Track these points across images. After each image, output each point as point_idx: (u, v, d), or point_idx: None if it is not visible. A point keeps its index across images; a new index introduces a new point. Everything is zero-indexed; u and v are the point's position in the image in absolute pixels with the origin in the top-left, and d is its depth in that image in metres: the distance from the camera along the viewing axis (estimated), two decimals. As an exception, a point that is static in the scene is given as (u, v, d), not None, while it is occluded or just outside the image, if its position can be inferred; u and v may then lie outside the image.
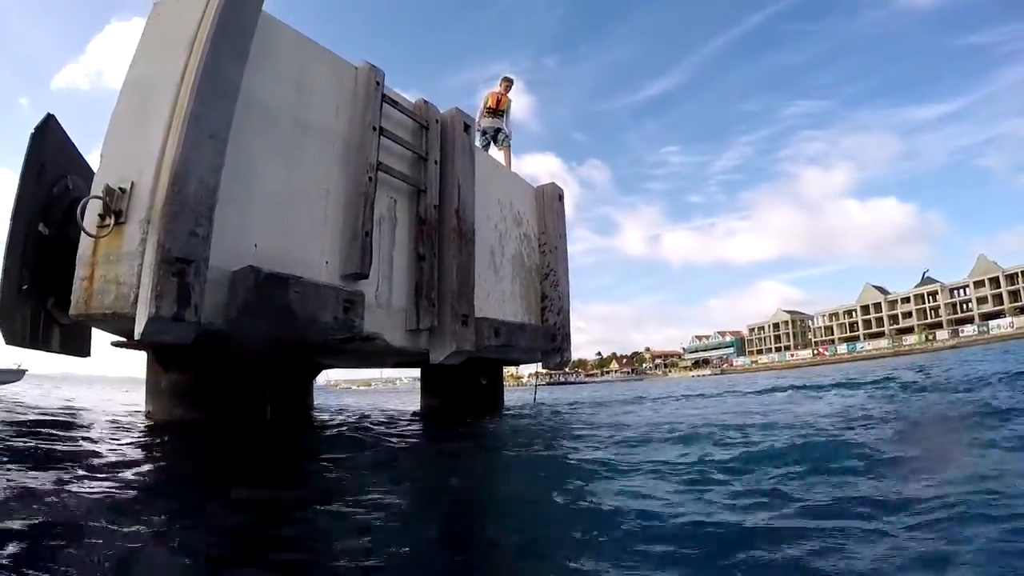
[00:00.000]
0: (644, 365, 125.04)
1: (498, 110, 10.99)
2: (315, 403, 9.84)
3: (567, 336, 11.35)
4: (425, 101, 8.29)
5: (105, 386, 30.43)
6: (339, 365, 8.26)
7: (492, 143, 10.96)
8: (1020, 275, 75.44)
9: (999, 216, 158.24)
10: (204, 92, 4.76)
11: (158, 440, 5.89)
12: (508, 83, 11.54)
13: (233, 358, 5.86)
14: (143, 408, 7.03)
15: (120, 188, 4.71)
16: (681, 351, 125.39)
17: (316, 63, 6.74)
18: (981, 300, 78.82)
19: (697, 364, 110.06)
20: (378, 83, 7.26)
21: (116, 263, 4.62)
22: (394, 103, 7.63)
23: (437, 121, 8.39)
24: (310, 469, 5.09)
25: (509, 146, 11.36)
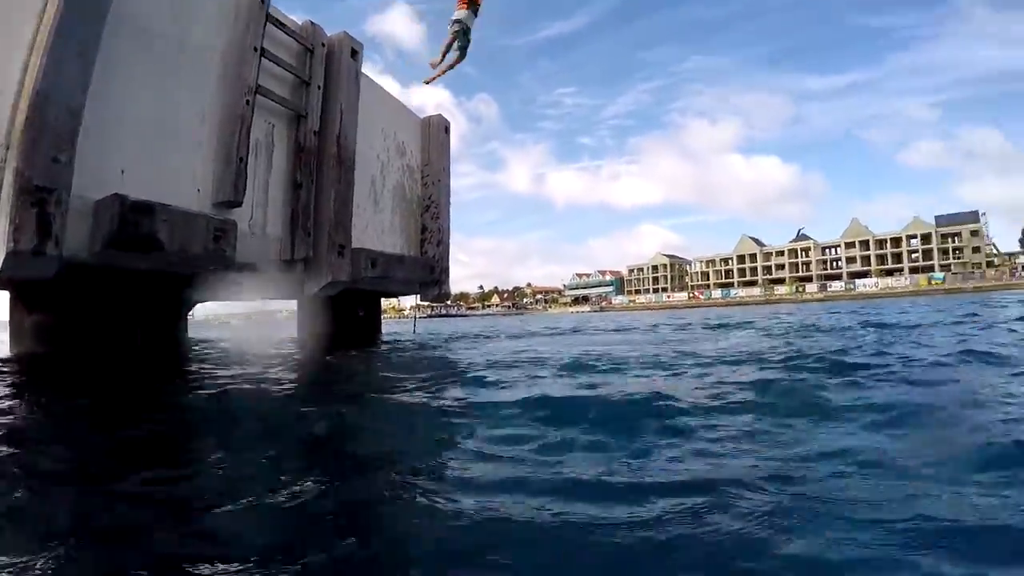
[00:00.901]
0: (525, 300, 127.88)
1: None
2: (189, 337, 9.48)
3: (446, 269, 11.62)
4: (312, 23, 7.92)
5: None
6: (214, 297, 8.01)
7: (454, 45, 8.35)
8: (888, 241, 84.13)
9: (875, 186, 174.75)
10: (71, 6, 4.36)
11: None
12: None
13: (100, 294, 5.61)
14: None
15: (-26, 108, 4.29)
16: (562, 288, 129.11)
17: (195, -22, 6.26)
18: (850, 260, 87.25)
19: (577, 301, 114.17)
20: (263, 1, 6.87)
21: (-30, 192, 4.27)
22: (279, 23, 7.26)
23: (323, 45, 8.07)
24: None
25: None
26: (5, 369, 5.63)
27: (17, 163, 4.06)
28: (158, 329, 6.55)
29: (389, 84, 10.52)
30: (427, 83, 8.14)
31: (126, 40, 5.20)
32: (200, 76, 6.24)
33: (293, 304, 10.15)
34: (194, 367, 6.58)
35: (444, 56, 7.83)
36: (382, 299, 12.00)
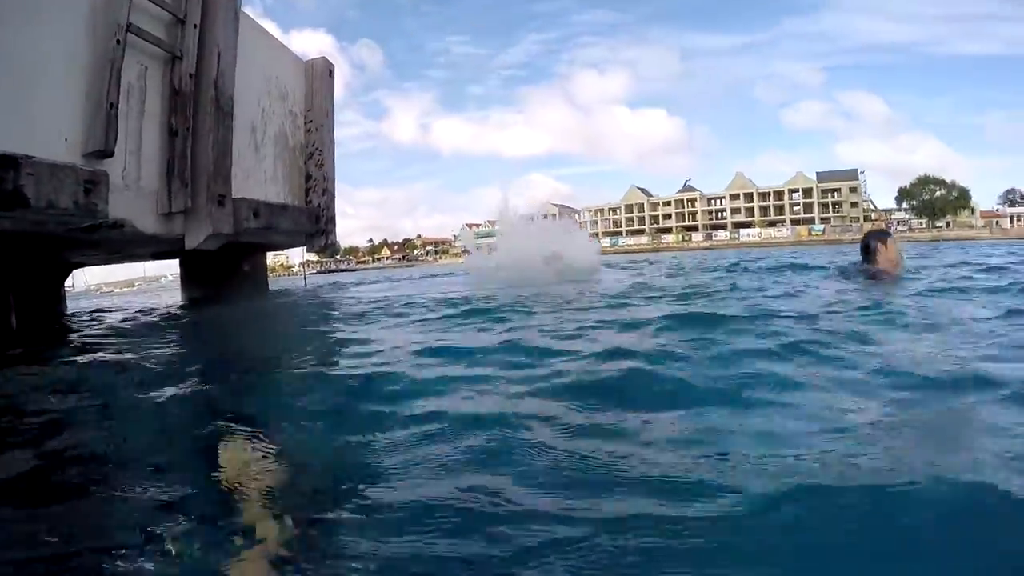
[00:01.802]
0: (416, 252, 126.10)
1: None
2: (68, 309, 8.64)
3: (332, 219, 11.35)
4: (188, -43, 7.29)
5: None
6: (90, 261, 7.39)
7: None
8: (772, 194, 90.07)
9: (759, 142, 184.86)
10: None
11: None
12: None
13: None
14: None
15: None
16: (452, 238, 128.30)
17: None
18: (735, 211, 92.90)
19: (467, 251, 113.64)
20: (132, -71, 6.24)
21: None
22: (151, -45, 6.64)
23: (200, -21, 7.48)
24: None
25: None
26: None
27: None
28: (33, 301, 6.02)
29: (270, 28, 9.85)
30: None
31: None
32: (65, 13, 5.62)
33: (176, 268, 9.58)
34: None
35: None
36: (268, 253, 11.56)
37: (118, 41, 6.17)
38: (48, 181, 5.23)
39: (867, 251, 6.33)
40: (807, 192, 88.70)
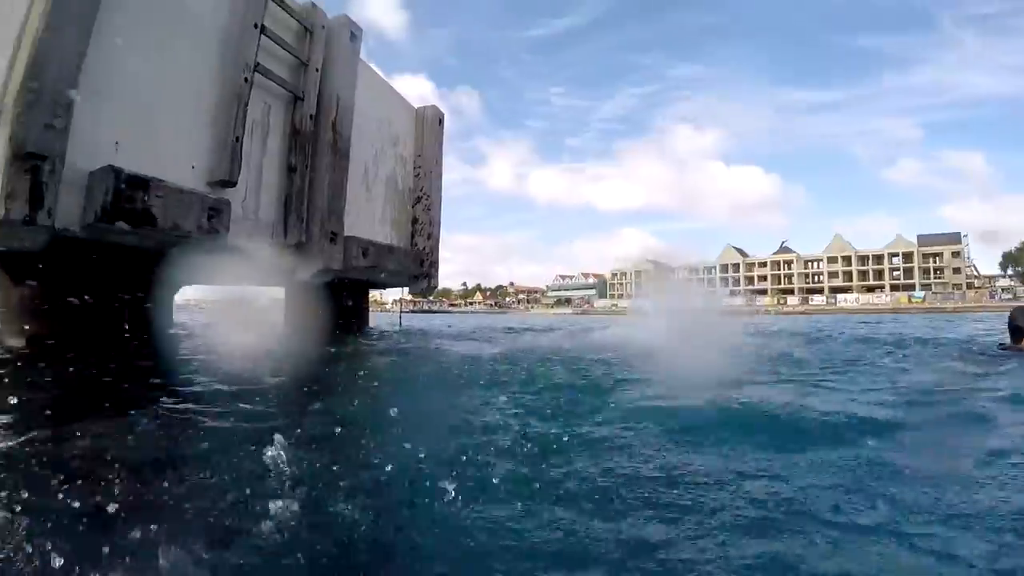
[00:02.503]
0: (508, 299, 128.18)
1: None
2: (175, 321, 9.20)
3: (435, 263, 11.49)
4: (313, 4, 7.76)
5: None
6: (201, 280, 7.79)
7: None
8: (871, 257, 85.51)
9: (858, 201, 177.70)
10: (70, -31, 4.19)
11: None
12: None
13: (87, 270, 5.40)
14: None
15: (-32, 69, 4.09)
16: (544, 288, 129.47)
17: (198, -53, 6.08)
18: (832, 275, 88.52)
19: (559, 303, 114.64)
20: (264, -24, 6.71)
21: (-41, 156, 4.07)
22: (280, 2, 7.09)
23: (323, 27, 7.91)
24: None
25: None
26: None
27: (11, 128, 3.88)
28: (145, 310, 6.33)
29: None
30: None
31: (126, 8, 5.01)
32: (199, 51, 6.06)
33: (274, 291, 9.93)
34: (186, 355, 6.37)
35: None
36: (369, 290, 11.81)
37: (246, 79, 6.57)
38: (175, 204, 5.51)
39: (1018, 332, 5.61)
40: (907, 256, 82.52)
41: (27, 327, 5.53)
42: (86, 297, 5.20)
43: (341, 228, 8.47)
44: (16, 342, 5.59)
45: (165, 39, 5.60)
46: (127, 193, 4.92)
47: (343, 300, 9.61)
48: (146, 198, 5.15)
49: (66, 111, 4.22)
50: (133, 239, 5.17)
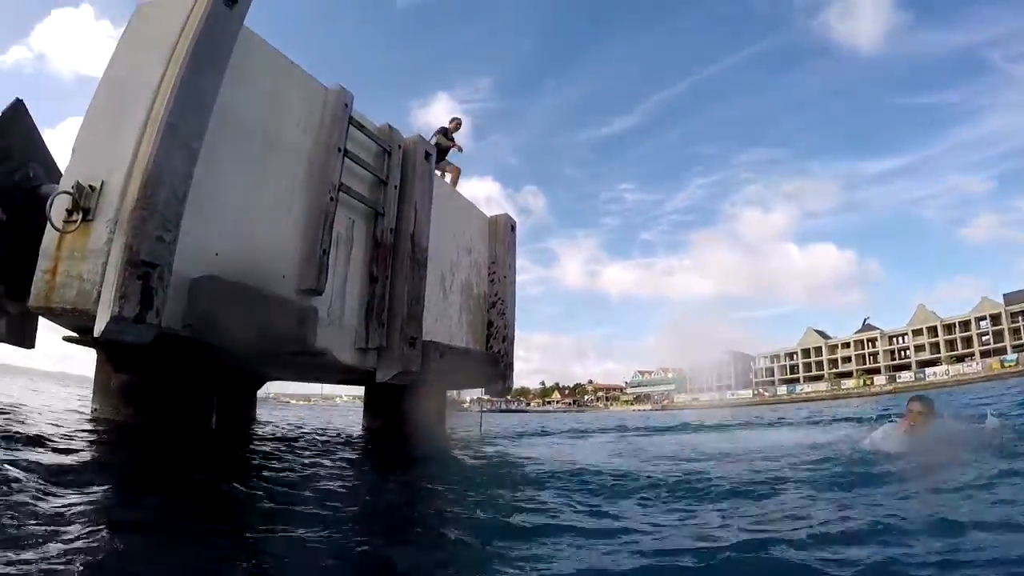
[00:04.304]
0: (586, 397, 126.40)
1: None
2: (258, 414, 9.74)
3: (510, 364, 11.61)
4: (390, 126, 8.54)
5: (34, 379, 28.78)
6: (285, 377, 8.26)
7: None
8: (957, 325, 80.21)
9: (936, 267, 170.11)
10: (181, 101, 4.88)
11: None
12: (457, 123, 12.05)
13: (184, 363, 5.87)
14: (89, 406, 6.87)
15: (90, 186, 4.76)
16: (624, 385, 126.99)
17: (290, 81, 6.93)
18: (919, 348, 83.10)
19: (639, 399, 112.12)
20: (346, 105, 7.49)
21: (81, 260, 4.65)
22: (360, 126, 7.85)
23: (399, 147, 8.64)
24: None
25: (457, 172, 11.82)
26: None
27: (126, 238, 4.42)
28: (233, 402, 6.73)
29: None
30: None
31: (226, 135, 5.72)
32: (289, 172, 6.75)
33: (350, 389, 10.26)
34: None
35: None
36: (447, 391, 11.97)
37: (331, 198, 7.19)
38: (269, 311, 5.96)
39: None
40: (995, 319, 75.66)
41: (123, 411, 5.98)
42: (181, 384, 5.64)
43: (420, 332, 8.76)
44: (111, 424, 6.06)
45: (260, 163, 6.30)
46: (225, 299, 5.39)
47: (421, 401, 9.80)
48: (242, 304, 5.62)
49: (175, 225, 4.77)
50: (230, 340, 5.57)
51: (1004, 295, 76.87)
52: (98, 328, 4.29)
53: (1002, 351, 71.39)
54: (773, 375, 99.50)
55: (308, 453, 6.85)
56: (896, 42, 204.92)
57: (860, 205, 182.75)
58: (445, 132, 11.27)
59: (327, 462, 6.49)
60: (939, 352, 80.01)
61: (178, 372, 5.95)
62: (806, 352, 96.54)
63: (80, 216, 4.72)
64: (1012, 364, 63.15)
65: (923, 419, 6.60)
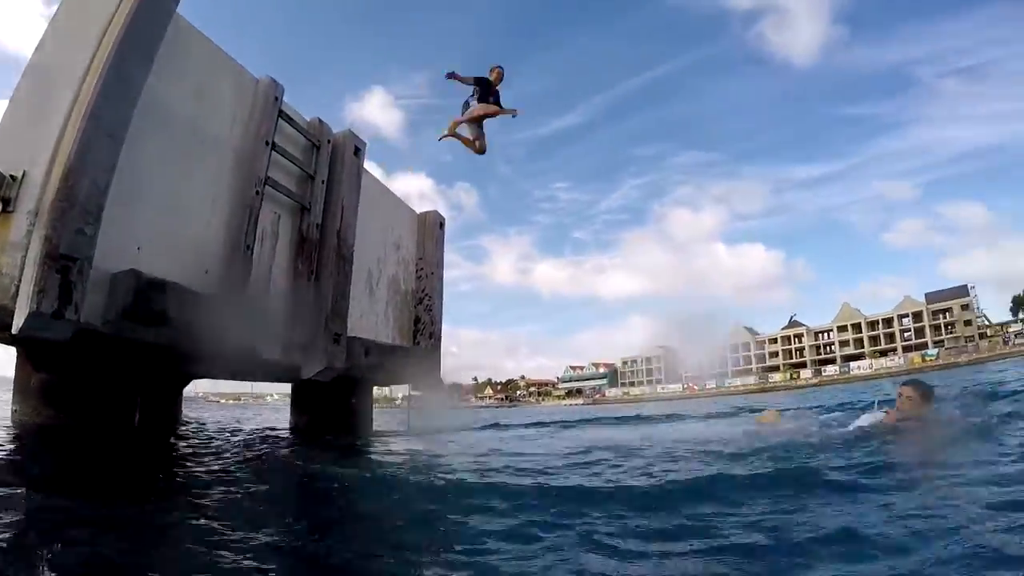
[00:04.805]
0: (519, 393, 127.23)
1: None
2: (184, 414, 9.41)
3: (438, 360, 11.71)
4: (320, 120, 8.45)
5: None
6: (211, 375, 8.04)
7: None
8: (880, 322, 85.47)
9: (860, 267, 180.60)
10: (107, 90, 4.72)
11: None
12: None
13: (105, 361, 5.67)
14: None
15: (11, 176, 4.52)
16: (556, 380, 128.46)
17: (220, 72, 6.77)
18: (844, 343, 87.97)
19: (570, 394, 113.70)
20: (276, 98, 7.38)
21: (0, 253, 4.43)
22: (290, 119, 7.75)
23: (329, 141, 8.57)
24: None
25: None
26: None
27: (46, 231, 4.26)
28: (157, 402, 6.52)
29: (373, 169, 11.20)
30: (440, 139, 8.21)
31: (153, 125, 5.57)
32: (215, 165, 6.60)
33: (281, 388, 10.10)
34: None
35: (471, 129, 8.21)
36: (374, 387, 11.94)
37: (257, 192, 7.09)
38: (190, 307, 5.82)
39: None
40: (916, 316, 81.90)
41: (43, 411, 5.73)
42: (103, 383, 5.45)
43: (345, 329, 8.73)
44: (31, 425, 5.79)
45: (185, 155, 6.15)
46: (146, 295, 5.25)
47: (347, 397, 9.76)
48: (163, 300, 5.48)
49: (96, 218, 4.62)
50: (149, 336, 5.43)
51: (926, 294, 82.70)
52: (16, 324, 4.11)
53: (923, 346, 76.99)
54: (702, 370, 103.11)
55: (228, 452, 6.73)
56: (831, 55, 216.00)
57: (788, 208, 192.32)
58: (487, 85, 8.25)
59: (246, 458, 6.40)
60: (863, 347, 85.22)
61: (99, 371, 5.72)
62: (734, 347, 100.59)
63: (0, 207, 4.49)
64: (933, 358, 68.19)
65: (912, 406, 5.92)
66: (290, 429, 10.01)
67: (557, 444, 8.13)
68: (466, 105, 7.94)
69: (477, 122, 8.09)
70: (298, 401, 10.21)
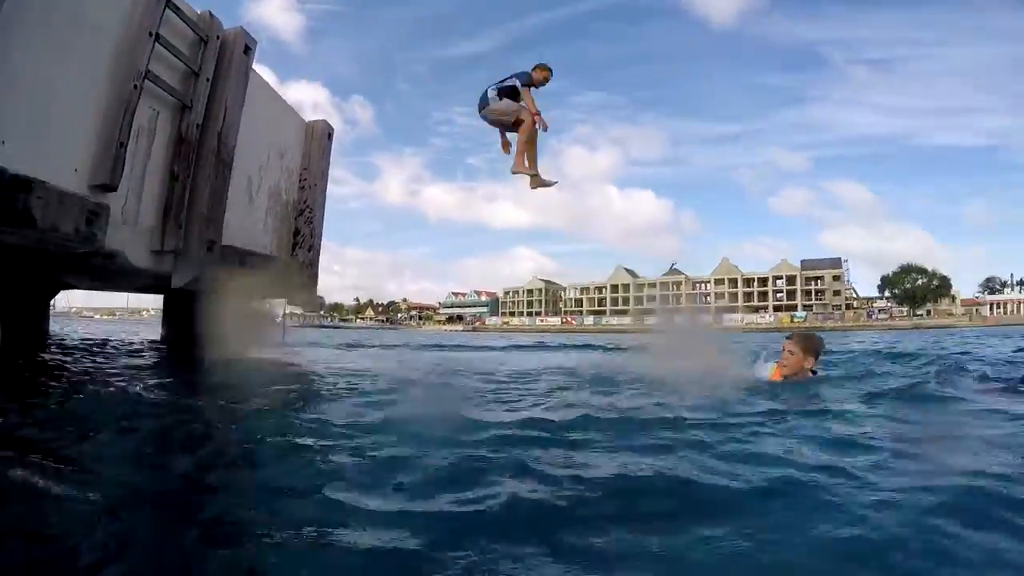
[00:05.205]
0: (400, 316, 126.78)
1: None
2: (52, 329, 8.72)
3: (315, 275, 11.60)
4: (211, 14, 7.80)
5: None
6: (79, 285, 7.55)
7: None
8: (756, 280, 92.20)
9: (746, 227, 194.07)
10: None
11: None
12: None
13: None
14: None
15: None
16: (438, 305, 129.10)
17: (98, -49, 6.06)
18: (719, 296, 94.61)
19: (451, 319, 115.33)
20: (164, -14, 6.75)
21: None
22: (177, 9, 7.11)
23: (218, 37, 7.97)
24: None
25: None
26: None
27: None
28: (21, 315, 6.11)
29: (264, 74, 10.42)
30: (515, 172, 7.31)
31: (23, 6, 4.99)
32: (91, 55, 6.01)
33: (159, 302, 9.67)
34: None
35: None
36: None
37: (135, 86, 6.56)
38: (54, 206, 5.45)
39: None
40: (791, 279, 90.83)
41: None
42: None
43: (219, 237, 8.47)
44: None
45: (60, 43, 5.56)
46: (10, 193, 4.89)
47: (221, 310, 9.53)
48: (28, 199, 5.11)
49: (-45, 109, 4.21)
50: (11, 238, 5.10)
51: (802, 261, 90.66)
52: None
53: (793, 308, 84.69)
54: (582, 306, 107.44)
55: (87, 362, 6.49)
56: (749, 21, 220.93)
57: (683, 161, 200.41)
58: (529, 81, 7.37)
59: (106, 372, 6.25)
60: (737, 301, 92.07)
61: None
62: (615, 288, 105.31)
63: None
64: (800, 320, 75.75)
65: (793, 360, 5.55)
66: (161, 343, 9.68)
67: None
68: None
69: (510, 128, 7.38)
70: (170, 313, 9.83)
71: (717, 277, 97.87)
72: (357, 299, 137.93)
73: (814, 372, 5.73)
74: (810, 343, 5.71)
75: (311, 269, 11.47)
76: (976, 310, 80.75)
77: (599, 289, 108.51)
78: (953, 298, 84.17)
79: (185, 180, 7.89)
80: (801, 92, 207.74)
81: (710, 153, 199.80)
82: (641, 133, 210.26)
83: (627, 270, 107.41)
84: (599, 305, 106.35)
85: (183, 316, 9.41)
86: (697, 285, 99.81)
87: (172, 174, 7.73)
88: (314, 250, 11.62)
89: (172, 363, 8.18)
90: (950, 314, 77.11)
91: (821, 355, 5.88)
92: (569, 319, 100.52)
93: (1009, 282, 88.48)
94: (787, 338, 5.85)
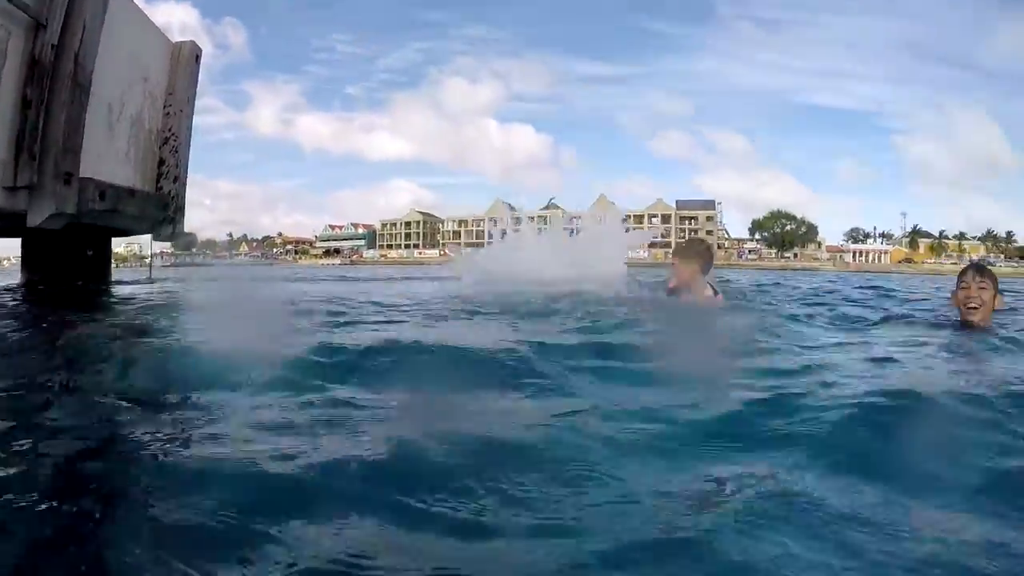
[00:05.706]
0: (275, 251, 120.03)
1: None
2: None
3: (181, 208, 10.97)
4: (70, -76, 7.01)
5: None
6: None
7: None
8: (631, 217, 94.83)
9: (625, 166, 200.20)
10: None
11: None
12: None
13: None
14: None
15: None
16: (314, 239, 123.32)
17: None
18: None
19: (328, 253, 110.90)
20: None
21: None
22: (32, -82, 6.37)
23: (79, -49, 7.21)
24: None
25: None
26: None
27: None
28: None
29: None
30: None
31: None
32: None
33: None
34: None
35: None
36: (116, 239, 10.92)
37: (-15, 3, 5.91)
38: None
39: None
40: (666, 218, 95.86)
41: None
42: None
43: (77, 168, 7.89)
44: None
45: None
46: None
47: (83, 250, 8.92)
48: None
49: None
50: None
51: (677, 201, 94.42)
52: None
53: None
54: (460, 238, 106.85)
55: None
56: None
57: (564, 98, 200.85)
58: None
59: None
60: None
61: None
62: (493, 220, 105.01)
63: None
64: None
65: (683, 274, 5.31)
66: (20, 288, 8.88)
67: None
68: None
69: None
70: (28, 256, 8.99)
71: (593, 213, 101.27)
72: (230, 234, 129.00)
73: (716, 292, 5.53)
74: (689, 249, 5.69)
75: (176, 201, 10.84)
76: (840, 256, 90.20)
77: (477, 221, 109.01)
78: (819, 244, 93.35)
79: (39, 107, 7.23)
80: (687, 40, 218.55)
81: (593, 93, 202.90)
82: (524, 69, 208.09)
83: (506, 203, 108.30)
84: (477, 238, 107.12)
85: (43, 258, 8.71)
86: (573, 219, 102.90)
87: (25, 100, 7.06)
88: (179, 181, 10.95)
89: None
90: (815, 259, 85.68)
91: (711, 267, 5.67)
92: (448, 251, 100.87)
93: (872, 234, 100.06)
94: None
